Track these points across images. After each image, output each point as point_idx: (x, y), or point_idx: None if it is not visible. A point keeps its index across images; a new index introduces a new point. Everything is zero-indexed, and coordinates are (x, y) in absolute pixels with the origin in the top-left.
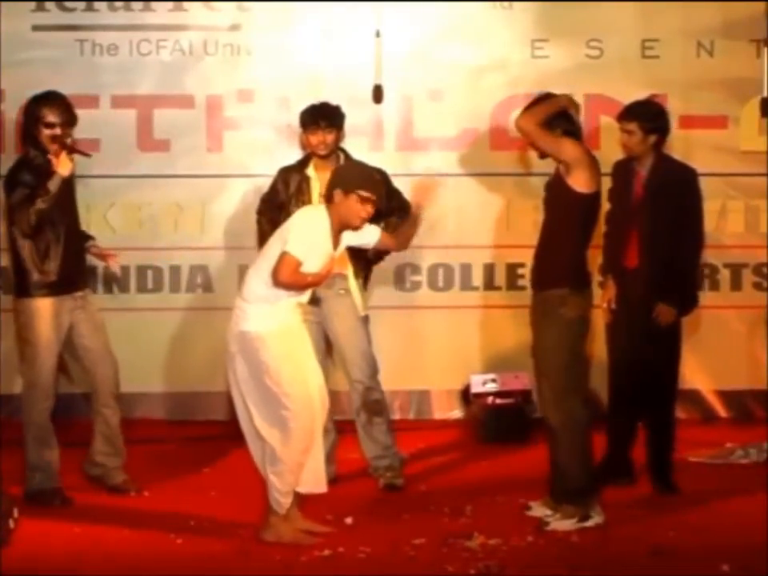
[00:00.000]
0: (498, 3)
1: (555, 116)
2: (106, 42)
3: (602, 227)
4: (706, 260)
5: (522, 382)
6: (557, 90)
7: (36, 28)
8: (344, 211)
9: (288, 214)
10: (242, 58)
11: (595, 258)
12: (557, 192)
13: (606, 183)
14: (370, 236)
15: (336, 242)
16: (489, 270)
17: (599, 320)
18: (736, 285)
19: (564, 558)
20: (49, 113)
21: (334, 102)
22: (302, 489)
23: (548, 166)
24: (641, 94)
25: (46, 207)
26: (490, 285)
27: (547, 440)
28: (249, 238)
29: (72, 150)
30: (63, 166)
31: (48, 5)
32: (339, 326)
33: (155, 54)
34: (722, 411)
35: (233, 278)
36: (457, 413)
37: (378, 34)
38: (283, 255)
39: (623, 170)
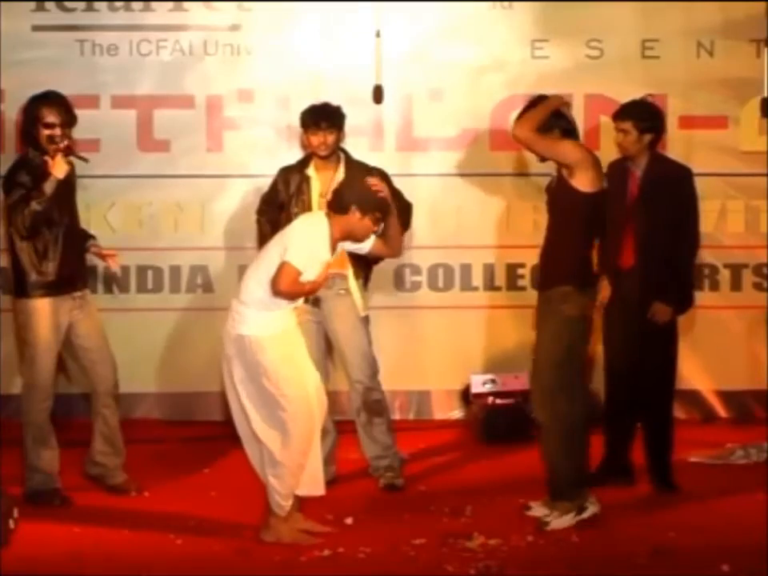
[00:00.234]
0: (497, 3)
1: (550, 117)
2: (106, 42)
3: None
4: (706, 260)
5: (522, 383)
6: (556, 91)
7: (36, 28)
8: (357, 227)
9: (288, 214)
10: (242, 58)
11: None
12: (560, 194)
13: None
14: (364, 242)
15: (333, 249)
16: (489, 270)
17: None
18: (736, 285)
19: (564, 558)
20: (48, 113)
21: (334, 102)
22: (300, 491)
23: (548, 167)
24: (641, 95)
25: (41, 209)
26: (489, 285)
27: (538, 437)
28: (249, 238)
29: (69, 153)
30: (58, 168)
31: (48, 5)
32: (339, 326)
33: (155, 54)
34: (722, 411)
35: (233, 279)
36: (457, 413)
37: (378, 35)
38: (284, 265)
39: (618, 170)
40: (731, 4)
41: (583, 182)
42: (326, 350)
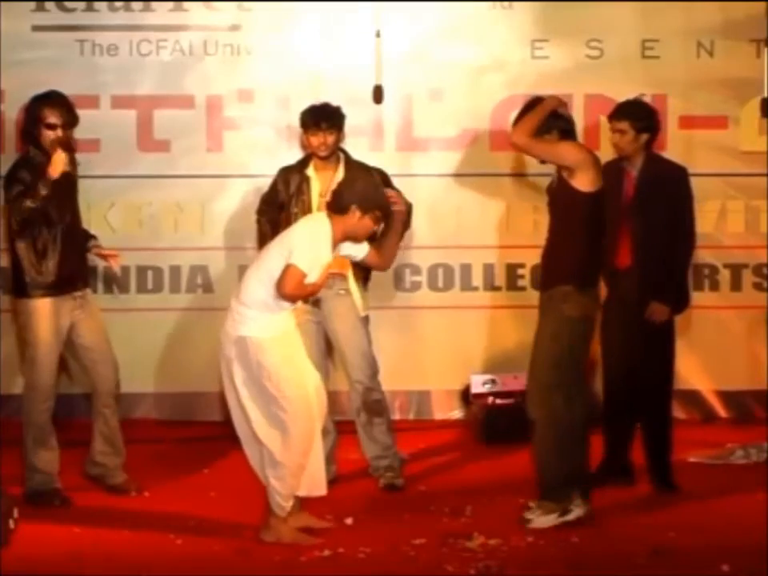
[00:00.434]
0: (497, 3)
1: (548, 119)
2: (106, 43)
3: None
4: (706, 260)
5: (522, 383)
6: (556, 91)
7: (36, 28)
8: (357, 227)
9: (288, 215)
10: (242, 58)
11: None
12: (561, 194)
13: None
14: (359, 249)
15: (334, 250)
16: (489, 270)
17: None
18: (736, 285)
19: (564, 558)
20: (50, 113)
21: (334, 102)
22: (302, 492)
23: (548, 167)
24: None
25: (35, 207)
26: (489, 285)
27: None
28: (249, 238)
29: (65, 146)
30: (55, 166)
31: (48, 5)
32: (339, 326)
33: (155, 55)
34: (722, 411)
35: (233, 279)
36: (457, 413)
37: (378, 35)
38: (289, 268)
39: (613, 171)
40: (731, 4)
41: (583, 182)
42: (326, 350)
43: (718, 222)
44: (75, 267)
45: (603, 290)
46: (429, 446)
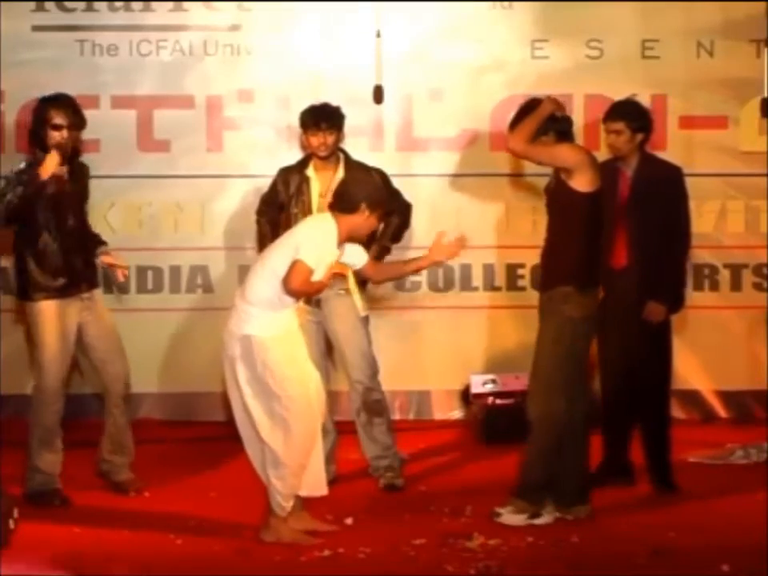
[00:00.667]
0: (497, 3)
1: (544, 121)
2: (106, 43)
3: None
4: (706, 260)
5: (522, 383)
6: (556, 91)
7: (36, 28)
8: (364, 226)
9: (288, 215)
10: (242, 59)
11: None
12: (560, 194)
13: None
14: (358, 258)
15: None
16: (489, 270)
17: None
18: (736, 285)
19: (564, 558)
20: (56, 114)
21: (334, 102)
22: (303, 492)
23: (547, 167)
24: (641, 95)
25: (16, 201)
26: (489, 285)
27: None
28: (249, 238)
29: (61, 148)
30: (46, 167)
31: (48, 5)
32: (339, 326)
33: (155, 55)
34: (722, 412)
35: (233, 279)
36: (457, 413)
37: (378, 35)
38: (296, 263)
39: (608, 171)
40: (731, 4)
41: (582, 182)
42: (326, 350)
43: (718, 222)
44: (81, 270)
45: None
46: (429, 446)
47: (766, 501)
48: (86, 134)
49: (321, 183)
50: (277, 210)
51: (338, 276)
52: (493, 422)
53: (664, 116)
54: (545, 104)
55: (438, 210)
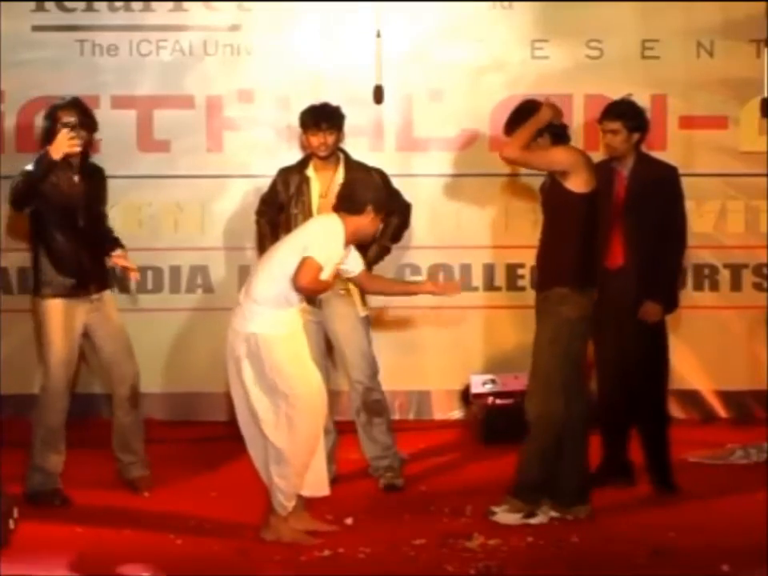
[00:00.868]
0: (497, 3)
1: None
2: (106, 43)
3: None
4: (706, 260)
5: (522, 383)
6: (556, 91)
7: (36, 28)
8: (368, 227)
9: (288, 215)
10: (242, 59)
11: None
12: (555, 195)
13: None
14: (355, 265)
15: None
16: (488, 270)
17: None
18: (736, 285)
19: (564, 559)
20: (64, 114)
21: (334, 102)
22: (305, 492)
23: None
24: (641, 95)
25: (22, 183)
26: (489, 285)
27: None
28: (249, 238)
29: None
30: (57, 145)
31: (48, 5)
32: (340, 326)
33: (155, 55)
34: (722, 412)
35: (233, 279)
36: (457, 413)
37: (378, 35)
38: (307, 260)
39: (604, 171)
40: (731, 4)
41: (578, 183)
42: (326, 351)
43: (718, 222)
44: (91, 270)
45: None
46: (429, 446)
47: (766, 501)
48: None
49: (321, 183)
50: (276, 211)
51: (338, 277)
52: (493, 422)
53: (664, 116)
54: (543, 111)
55: (438, 210)
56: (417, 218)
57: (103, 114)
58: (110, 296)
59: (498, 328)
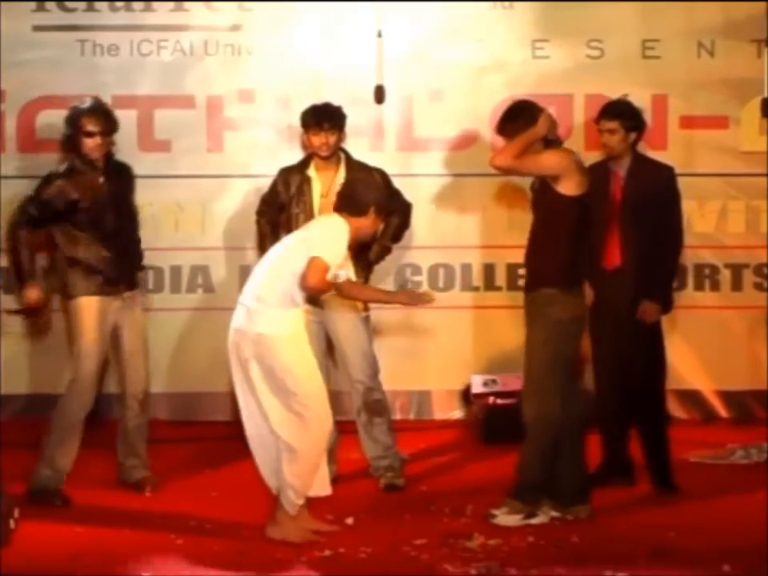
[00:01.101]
0: (498, 3)
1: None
2: (107, 43)
3: None
4: (707, 260)
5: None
6: (557, 91)
7: (37, 28)
8: (370, 228)
9: (289, 215)
10: (243, 59)
11: None
12: (545, 197)
13: None
14: (348, 270)
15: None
16: (489, 270)
17: None
18: (737, 285)
19: (564, 558)
20: (88, 122)
21: (334, 102)
22: (309, 492)
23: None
24: (642, 95)
25: (62, 179)
26: (490, 285)
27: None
28: (249, 238)
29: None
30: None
31: (49, 5)
32: (340, 326)
33: (156, 55)
34: (722, 411)
35: (234, 279)
36: (457, 413)
37: (379, 35)
38: (315, 260)
39: (600, 172)
40: (732, 4)
41: (569, 187)
42: (327, 350)
43: (719, 222)
44: (122, 269)
45: (590, 294)
46: (429, 446)
47: (766, 501)
48: None
49: (322, 183)
50: (277, 210)
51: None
52: (493, 421)
53: (665, 116)
54: (540, 125)
55: (439, 210)
56: (417, 218)
57: None
58: (139, 296)
59: (498, 328)
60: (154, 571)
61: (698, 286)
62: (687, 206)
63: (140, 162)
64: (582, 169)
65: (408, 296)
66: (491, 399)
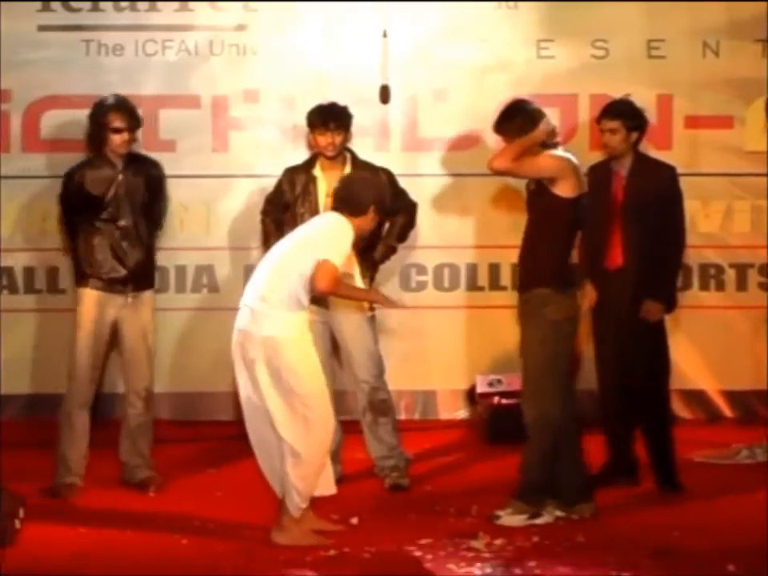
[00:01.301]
0: (503, 3)
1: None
2: (112, 43)
3: None
4: (712, 260)
5: None
6: (561, 91)
7: (42, 28)
8: (369, 226)
9: (294, 215)
10: (248, 59)
11: None
12: (541, 198)
13: None
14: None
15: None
16: (494, 269)
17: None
18: (741, 285)
19: (569, 558)
20: (115, 118)
21: (339, 102)
22: (315, 492)
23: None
24: (647, 95)
25: (78, 174)
26: (495, 285)
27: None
28: (254, 238)
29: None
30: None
31: (54, 5)
32: (346, 325)
33: (161, 55)
34: (727, 411)
35: (238, 279)
36: (462, 413)
37: (384, 35)
38: (324, 263)
39: (601, 172)
40: (737, 4)
41: (565, 189)
42: (332, 350)
43: (724, 222)
44: (132, 269)
45: (593, 295)
46: (434, 445)
47: None
48: None
49: (328, 183)
50: (281, 210)
51: (344, 275)
52: (498, 421)
53: (669, 116)
54: (539, 131)
55: (443, 210)
56: (422, 218)
57: None
58: (149, 296)
59: (503, 327)
60: (158, 571)
61: (703, 286)
62: (692, 206)
63: None
64: (578, 171)
65: (382, 296)
66: (496, 399)
